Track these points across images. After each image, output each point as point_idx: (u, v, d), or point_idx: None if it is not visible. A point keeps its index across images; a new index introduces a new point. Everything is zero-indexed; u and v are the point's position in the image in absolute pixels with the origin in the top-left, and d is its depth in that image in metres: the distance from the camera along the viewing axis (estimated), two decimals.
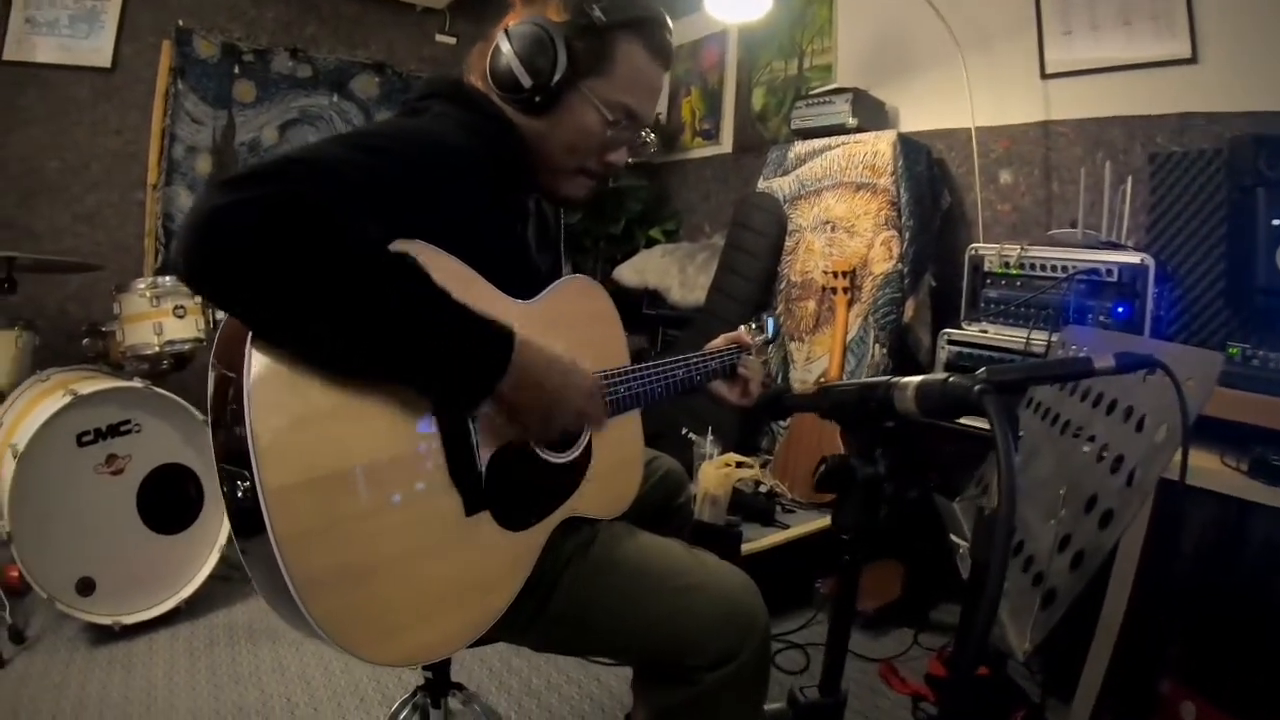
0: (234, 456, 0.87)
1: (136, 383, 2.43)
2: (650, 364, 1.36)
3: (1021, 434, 1.69)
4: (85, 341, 2.91)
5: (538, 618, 1.18)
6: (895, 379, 0.93)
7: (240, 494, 0.87)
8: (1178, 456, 0.99)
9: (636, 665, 1.30)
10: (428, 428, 1.01)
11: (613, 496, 1.35)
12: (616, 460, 1.35)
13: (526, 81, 1.16)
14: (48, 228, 3.77)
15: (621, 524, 1.33)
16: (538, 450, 1.19)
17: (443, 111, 1.18)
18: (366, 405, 0.95)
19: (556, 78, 1.16)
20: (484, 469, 1.08)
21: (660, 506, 1.61)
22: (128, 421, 2.39)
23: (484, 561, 1.08)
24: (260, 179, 0.85)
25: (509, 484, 1.12)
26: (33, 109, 3.70)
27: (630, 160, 1.35)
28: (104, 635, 2.34)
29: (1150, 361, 0.94)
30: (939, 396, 0.87)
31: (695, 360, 1.47)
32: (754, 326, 1.69)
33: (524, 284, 1.22)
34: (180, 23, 3.91)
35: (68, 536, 2.28)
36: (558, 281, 1.30)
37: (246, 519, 0.86)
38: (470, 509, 1.06)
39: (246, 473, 0.85)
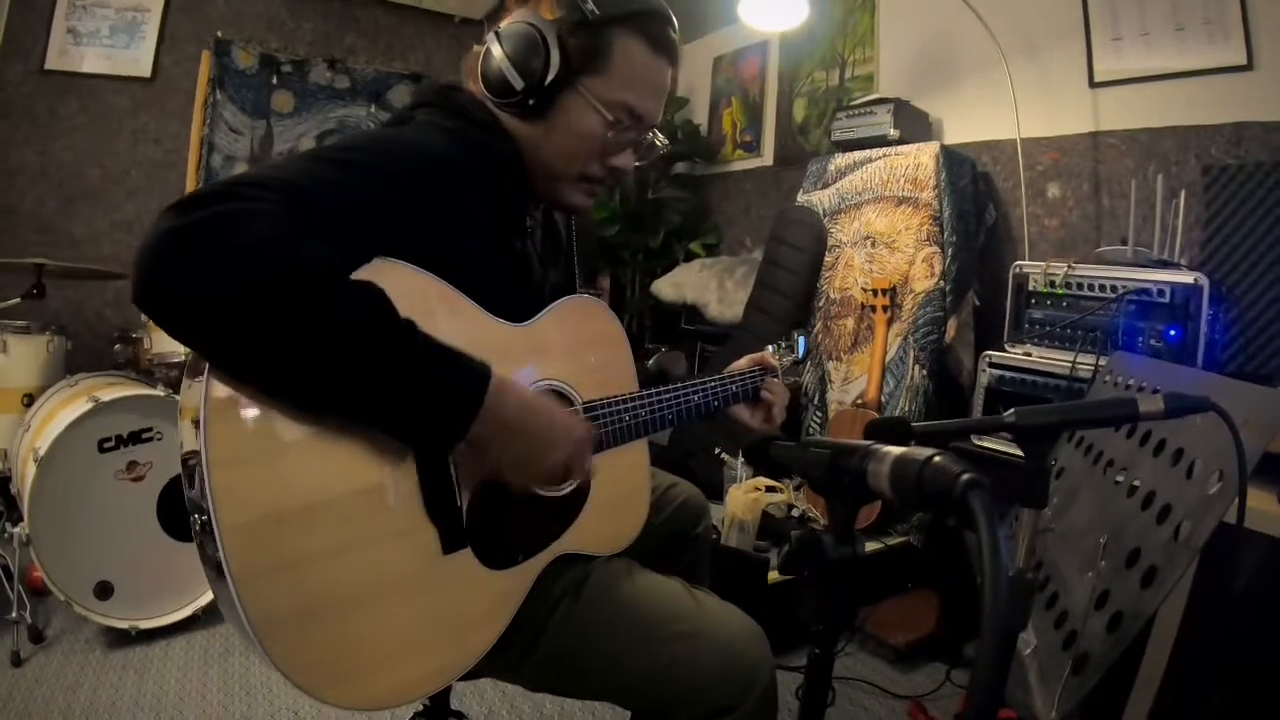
0: (192, 487, 0.84)
1: (159, 391, 2.46)
2: (660, 390, 1.29)
3: (1060, 467, 1.61)
4: (116, 348, 2.98)
5: (527, 658, 1.12)
6: (874, 447, 0.75)
7: (199, 527, 0.83)
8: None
9: (634, 712, 1.23)
10: (402, 461, 0.96)
11: (612, 532, 1.28)
12: (618, 492, 1.28)
13: (518, 84, 1.10)
14: (87, 233, 3.88)
15: (620, 561, 1.25)
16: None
17: (428, 120, 1.13)
18: (335, 436, 0.90)
19: (550, 78, 1.09)
20: (464, 504, 1.02)
21: (678, 535, 1.54)
22: (149, 429, 2.41)
23: (463, 600, 1.02)
24: (207, 200, 0.79)
25: (493, 519, 1.05)
26: (75, 117, 3.83)
27: (637, 163, 1.27)
28: (120, 639, 2.37)
29: (1203, 405, 0.86)
30: (914, 483, 0.67)
31: (713, 384, 1.40)
32: (783, 346, 1.62)
33: (522, 302, 1.16)
34: (219, 34, 4.01)
35: (87, 541, 2.30)
36: (557, 302, 1.22)
37: (206, 555, 0.83)
38: (448, 546, 1.00)
39: (204, 506, 0.81)
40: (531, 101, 1.12)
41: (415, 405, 0.88)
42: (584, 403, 1.20)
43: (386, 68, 4.45)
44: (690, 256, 4.51)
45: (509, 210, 1.18)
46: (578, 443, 1.05)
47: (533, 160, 1.18)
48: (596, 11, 1.10)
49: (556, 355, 1.19)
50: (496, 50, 1.11)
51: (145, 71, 3.93)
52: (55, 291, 2.83)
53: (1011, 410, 0.92)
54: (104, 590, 2.32)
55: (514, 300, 1.14)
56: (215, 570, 0.82)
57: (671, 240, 4.62)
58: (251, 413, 0.84)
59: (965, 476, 0.62)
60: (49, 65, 3.76)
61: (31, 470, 2.24)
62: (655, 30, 1.17)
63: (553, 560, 1.16)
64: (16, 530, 2.27)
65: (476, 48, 1.18)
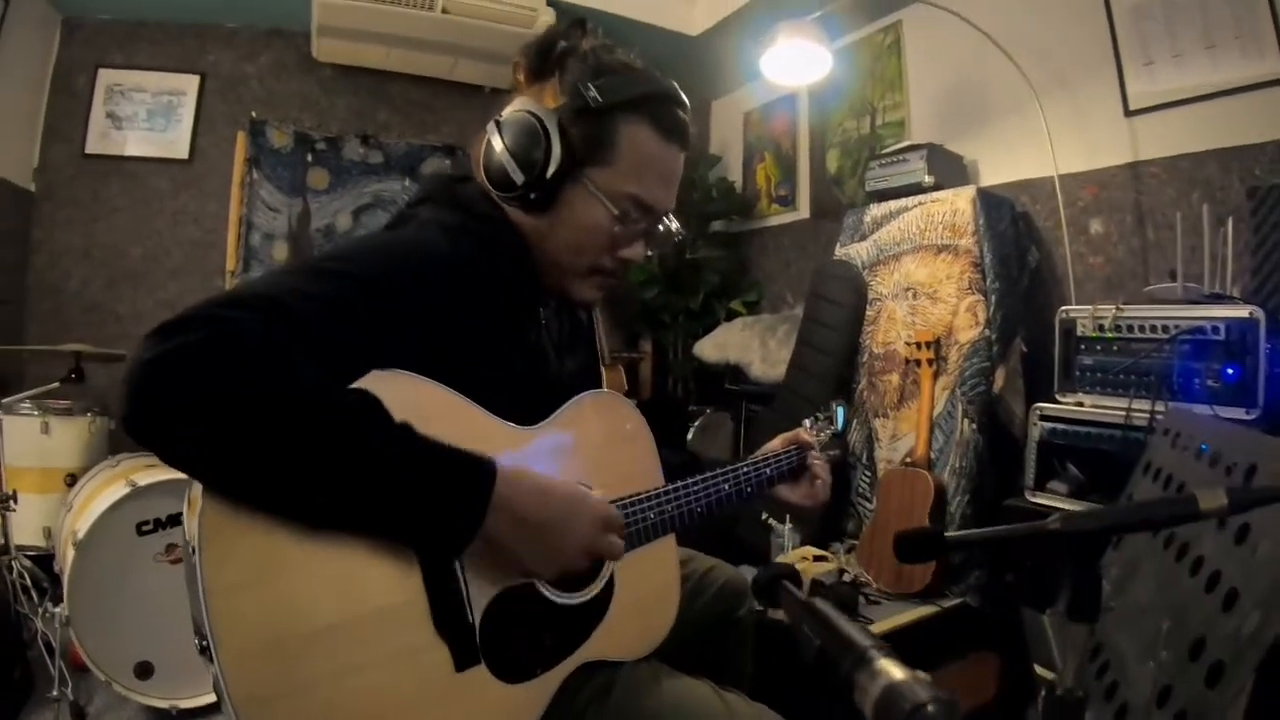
0: (194, 608, 0.83)
1: None
2: (687, 482, 1.27)
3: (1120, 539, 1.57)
4: None
5: None
6: (870, 654, 0.68)
7: (200, 648, 0.83)
8: None
9: None
10: (407, 577, 0.94)
11: (639, 636, 1.23)
12: (645, 593, 1.24)
13: (519, 177, 1.08)
14: (130, 312, 4.04)
15: (647, 666, 1.21)
16: (544, 592, 1.08)
17: (429, 218, 1.11)
18: (337, 554, 0.88)
19: (552, 170, 1.07)
20: (477, 619, 0.99)
21: (719, 619, 1.51)
22: None
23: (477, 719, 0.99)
24: (187, 325, 0.80)
25: (509, 632, 1.02)
26: (116, 199, 4.04)
27: (650, 253, 1.25)
28: (161, 718, 2.41)
29: (1274, 497, 0.82)
30: None
31: (745, 470, 1.38)
32: (820, 418, 1.61)
33: (538, 397, 1.15)
34: (254, 114, 4.20)
35: (127, 621, 2.36)
36: (573, 399, 1.20)
37: (212, 674, 0.82)
38: (461, 664, 0.97)
39: (205, 633, 0.81)
40: (534, 195, 1.09)
41: (420, 509, 0.88)
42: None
43: (419, 141, 4.59)
44: (731, 316, 4.55)
45: (518, 305, 1.17)
46: (603, 520, 1.04)
47: (539, 254, 1.16)
48: (599, 99, 1.08)
49: (573, 456, 1.16)
50: (496, 142, 1.10)
51: (183, 153, 4.13)
52: (98, 371, 2.95)
53: (1056, 515, 0.88)
54: (144, 670, 2.37)
55: (529, 397, 1.13)
56: (218, 693, 0.82)
57: (712, 300, 4.67)
58: (248, 535, 0.84)
59: None
60: (90, 149, 3.99)
61: (71, 553, 2.32)
62: (663, 115, 1.14)
63: (575, 669, 1.12)
64: (57, 610, 2.33)
65: (481, 135, 1.16)
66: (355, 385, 0.90)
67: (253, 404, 0.79)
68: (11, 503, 2.61)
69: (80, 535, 2.31)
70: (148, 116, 4.08)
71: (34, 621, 2.46)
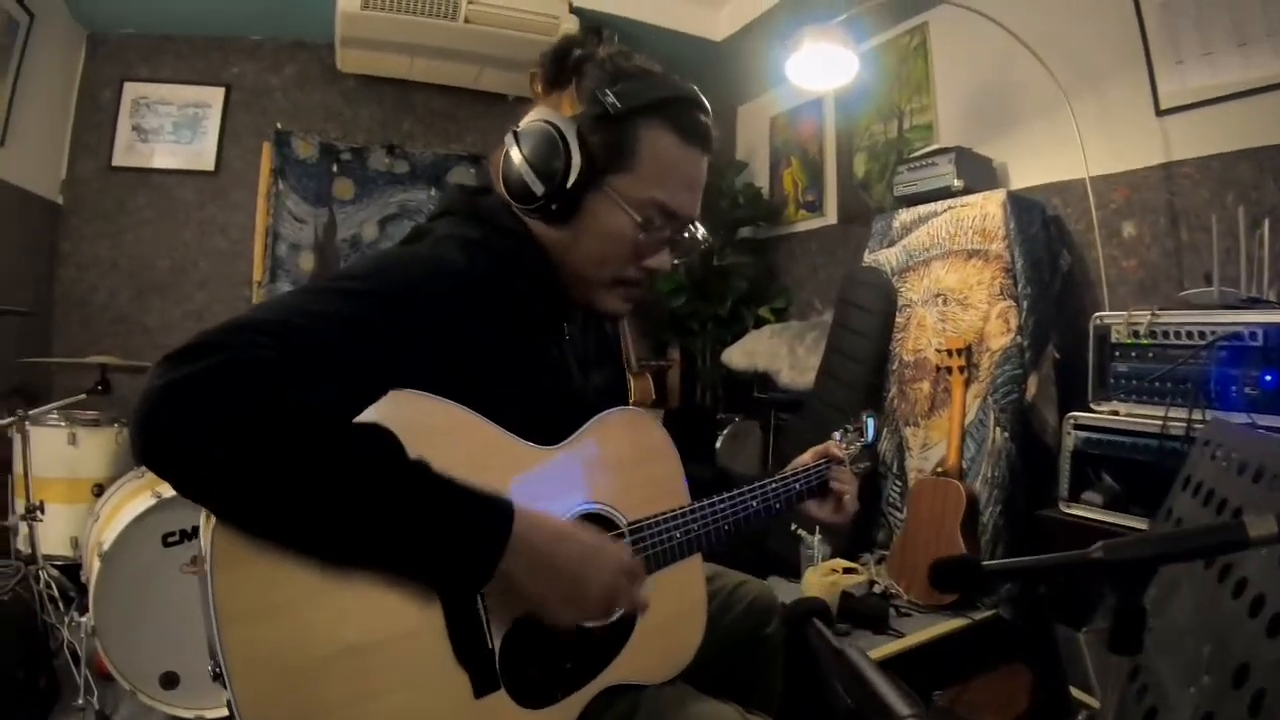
0: (208, 631, 0.83)
1: None
2: (713, 500, 1.25)
3: None
4: None
5: None
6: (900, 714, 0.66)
7: (213, 674, 0.84)
8: None
9: None
10: (427, 604, 0.93)
11: (664, 658, 1.21)
12: (670, 614, 1.20)
13: (539, 189, 1.06)
14: (159, 323, 4.10)
15: (672, 689, 1.19)
16: None
17: (447, 233, 1.10)
18: (353, 582, 0.87)
19: (572, 180, 1.05)
20: (497, 645, 0.98)
21: (747, 636, 1.48)
22: None
23: None
24: (199, 351, 0.79)
25: (530, 655, 1.01)
26: (143, 211, 4.11)
27: (676, 261, 1.21)
28: None
29: None
30: None
31: (773, 486, 1.36)
32: (850, 430, 1.59)
33: (563, 414, 1.14)
34: (279, 125, 4.24)
35: (153, 632, 2.37)
36: (597, 417, 1.18)
37: (227, 702, 0.82)
38: (480, 690, 0.96)
39: (218, 659, 0.81)
40: (554, 206, 1.07)
41: (434, 551, 0.87)
42: (630, 523, 1.15)
43: (444, 150, 4.62)
44: (760, 323, 4.54)
45: (540, 321, 1.16)
46: (622, 570, 1.01)
47: (563, 266, 1.14)
48: (618, 105, 1.06)
49: (597, 475, 1.15)
50: (515, 153, 1.08)
51: (209, 165, 4.19)
52: (125, 383, 2.99)
53: (1099, 544, 0.85)
54: (170, 680, 2.38)
55: (551, 415, 1.12)
56: (232, 717, 0.82)
57: (740, 307, 4.65)
58: (262, 561, 0.83)
59: None
60: (116, 162, 4.06)
61: (97, 564, 2.34)
62: (684, 119, 1.12)
63: (598, 693, 1.11)
64: (84, 620, 2.36)
65: (500, 147, 1.15)
66: (371, 409, 0.89)
67: (263, 438, 0.78)
68: (39, 513, 2.63)
69: (106, 546, 2.33)
70: (174, 129, 4.15)
71: (61, 630, 2.50)
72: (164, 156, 4.14)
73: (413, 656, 0.91)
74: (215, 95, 4.22)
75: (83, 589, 2.73)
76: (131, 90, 4.10)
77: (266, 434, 0.78)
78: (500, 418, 1.03)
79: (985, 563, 0.97)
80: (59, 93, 3.96)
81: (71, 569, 2.82)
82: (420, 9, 3.63)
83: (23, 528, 2.66)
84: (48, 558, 2.70)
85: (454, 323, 0.99)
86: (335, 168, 4.37)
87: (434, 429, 0.92)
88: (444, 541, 0.87)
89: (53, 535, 2.84)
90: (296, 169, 4.28)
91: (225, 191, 4.24)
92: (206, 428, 0.77)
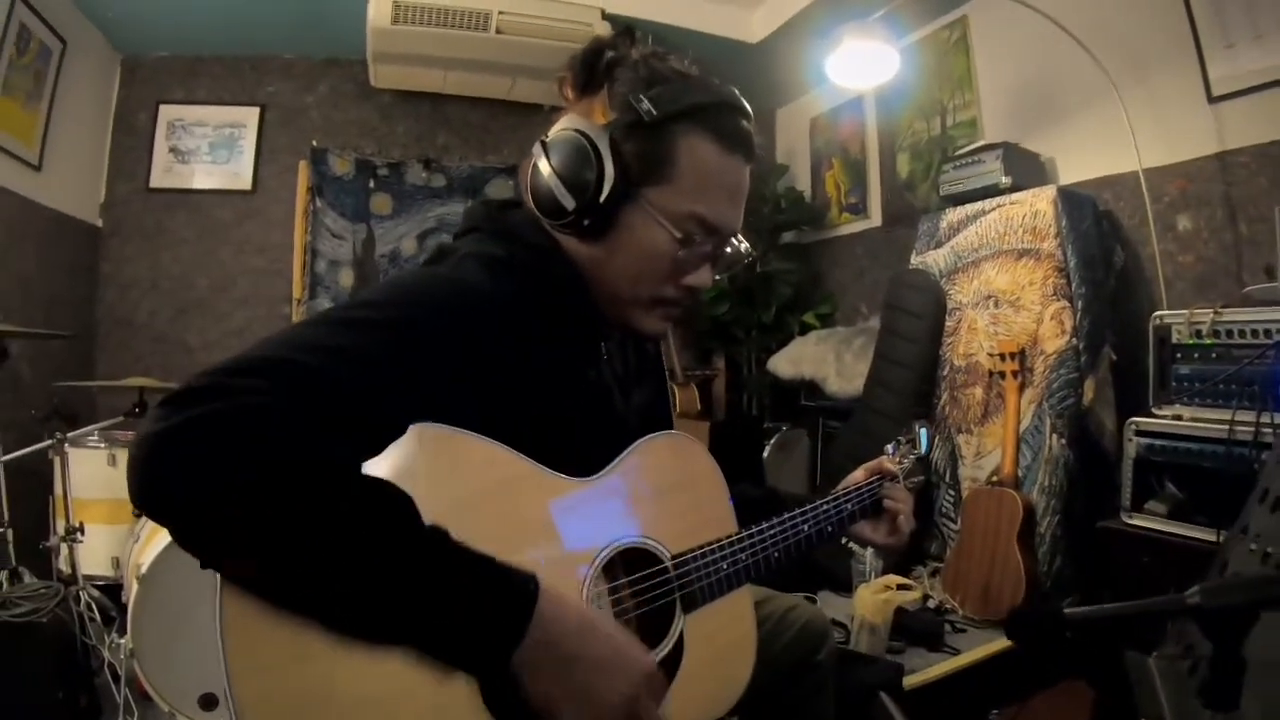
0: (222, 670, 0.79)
1: None
2: (763, 527, 1.21)
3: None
4: None
5: None
6: None
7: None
8: None
9: None
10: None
11: (711, 698, 1.14)
12: (719, 649, 1.14)
13: (569, 202, 1.00)
14: (200, 342, 4.18)
15: None
16: None
17: (470, 251, 1.05)
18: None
19: (605, 193, 0.99)
20: None
21: (797, 664, 1.43)
22: None
23: None
24: (195, 397, 0.74)
25: None
26: (181, 231, 4.20)
27: (718, 276, 1.16)
28: None
29: None
30: None
31: (825, 508, 1.31)
32: (903, 442, 1.53)
33: (601, 441, 1.09)
34: (314, 142, 4.31)
35: (191, 653, 2.38)
36: (637, 443, 1.12)
37: None
38: None
39: (233, 712, 0.77)
40: (587, 221, 1.02)
41: (445, 630, 0.80)
42: (674, 557, 1.10)
43: (481, 163, 4.64)
44: (805, 329, 4.49)
45: (574, 342, 1.11)
46: (649, 680, 0.92)
47: (597, 284, 1.08)
48: (654, 111, 1.00)
49: (638, 506, 1.09)
50: (543, 164, 1.03)
51: (246, 184, 4.27)
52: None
53: (1196, 588, 0.80)
54: (208, 702, 2.40)
55: (590, 441, 1.07)
56: None
57: (784, 314, 4.62)
58: (277, 614, 0.78)
59: None
60: (154, 183, 4.16)
61: (135, 586, 2.37)
62: (725, 125, 1.06)
63: None
64: (122, 641, 2.39)
65: (528, 158, 1.09)
66: (396, 448, 0.85)
67: (260, 493, 0.73)
68: (79, 534, 2.68)
69: (144, 569, 2.36)
70: (210, 149, 4.24)
71: (101, 650, 2.53)
72: (201, 177, 4.23)
73: (440, 708, 0.85)
74: (250, 115, 4.30)
75: (124, 609, 2.77)
76: (167, 113, 4.19)
77: (264, 490, 0.73)
78: (534, 449, 0.98)
79: (1067, 610, 0.89)
80: (95, 117, 4.06)
81: (113, 589, 2.87)
82: (451, 21, 3.66)
83: (64, 549, 2.69)
84: (88, 578, 2.74)
85: (478, 349, 0.94)
86: (372, 183, 4.42)
87: (457, 468, 0.88)
88: (456, 622, 0.80)
89: (94, 556, 2.89)
90: (334, 186, 4.33)
91: (262, 210, 4.31)
92: (190, 483, 0.72)
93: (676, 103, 1.02)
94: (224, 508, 0.72)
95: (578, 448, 1.03)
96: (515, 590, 0.83)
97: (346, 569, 0.76)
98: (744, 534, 1.18)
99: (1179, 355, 2.31)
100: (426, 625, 0.79)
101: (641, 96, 1.01)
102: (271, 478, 0.73)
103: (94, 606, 2.64)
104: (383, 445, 0.84)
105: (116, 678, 2.44)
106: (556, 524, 0.91)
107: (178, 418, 0.73)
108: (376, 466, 0.84)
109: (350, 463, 0.81)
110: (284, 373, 0.79)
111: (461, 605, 0.79)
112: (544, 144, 1.05)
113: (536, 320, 1.02)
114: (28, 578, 2.64)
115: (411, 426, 0.86)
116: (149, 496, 0.73)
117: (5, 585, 2.56)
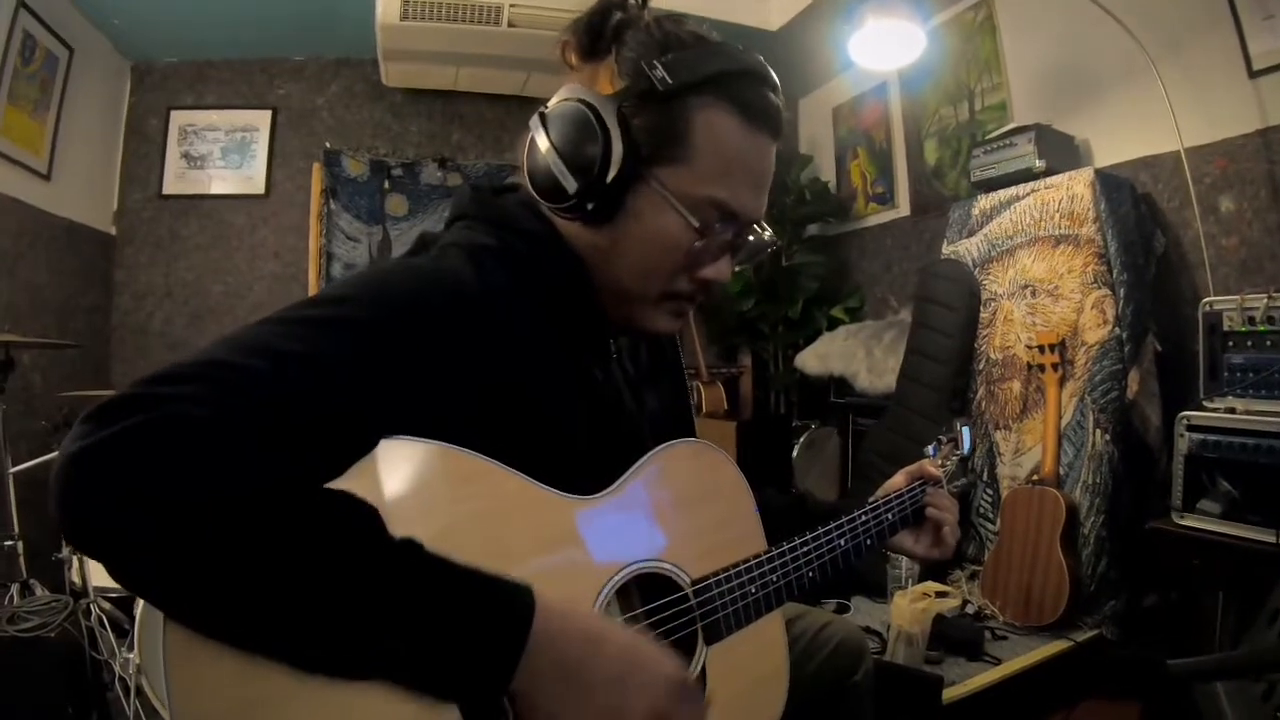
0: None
1: None
2: (794, 544, 1.10)
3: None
4: None
5: None
6: None
7: None
8: None
9: None
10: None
11: None
12: (748, 681, 1.04)
13: (571, 184, 0.88)
14: None
15: None
16: None
17: (456, 239, 0.94)
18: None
19: (612, 173, 0.87)
20: None
21: (832, 686, 1.34)
22: None
23: None
24: (120, 409, 0.65)
25: None
26: (195, 237, 4.21)
27: (738, 268, 1.04)
28: None
29: None
30: None
31: (864, 519, 1.21)
32: (944, 441, 1.45)
33: (611, 450, 0.98)
34: (327, 145, 4.30)
35: None
36: (652, 453, 1.00)
37: None
38: None
39: None
40: (590, 205, 0.90)
41: (425, 657, 0.69)
42: (694, 582, 0.99)
43: (497, 160, 4.60)
44: (833, 324, 4.39)
45: (577, 339, 1.00)
46: (674, 686, 0.80)
47: (600, 277, 0.97)
48: (668, 80, 0.88)
49: (653, 525, 0.98)
50: (541, 140, 0.92)
51: (259, 188, 4.27)
52: None
53: None
54: None
55: (600, 451, 0.96)
56: None
57: (812, 308, 4.52)
58: (227, 652, 0.66)
59: None
60: (166, 190, 4.17)
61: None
62: (748, 96, 0.94)
63: None
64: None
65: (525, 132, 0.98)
66: (358, 469, 0.74)
67: (186, 517, 0.63)
68: None
69: None
70: (222, 154, 4.25)
71: (112, 664, 2.50)
72: (214, 182, 4.24)
73: None
74: (262, 118, 4.30)
75: (135, 622, 2.76)
76: (179, 118, 4.21)
77: (182, 517, 0.63)
78: (532, 462, 0.86)
79: (1171, 662, 0.78)
80: (106, 125, 4.07)
81: (125, 601, 2.84)
82: (461, 16, 3.61)
83: (75, 561, 2.70)
84: (99, 590, 2.71)
85: (459, 350, 0.83)
86: (387, 184, 4.40)
87: (437, 489, 0.77)
88: (439, 645, 0.69)
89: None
90: (348, 187, 4.32)
91: (276, 214, 4.31)
92: (109, 509, 0.62)
93: (694, 71, 0.90)
94: (148, 536, 0.62)
95: (583, 459, 0.93)
96: (506, 602, 0.72)
97: (298, 597, 0.65)
98: (774, 553, 1.07)
99: (1231, 344, 2.22)
100: (402, 652, 0.68)
101: (655, 62, 0.89)
102: (204, 499, 0.63)
103: (105, 620, 2.62)
104: (345, 463, 0.73)
105: (127, 691, 2.41)
106: (557, 549, 0.81)
107: (99, 434, 0.63)
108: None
109: (299, 480, 0.70)
110: (223, 379, 0.69)
111: (442, 625, 0.69)
112: (542, 116, 0.93)
113: (532, 316, 0.92)
114: (39, 590, 2.63)
115: (382, 442, 0.75)
116: (66, 524, 0.63)
117: (16, 598, 2.56)
